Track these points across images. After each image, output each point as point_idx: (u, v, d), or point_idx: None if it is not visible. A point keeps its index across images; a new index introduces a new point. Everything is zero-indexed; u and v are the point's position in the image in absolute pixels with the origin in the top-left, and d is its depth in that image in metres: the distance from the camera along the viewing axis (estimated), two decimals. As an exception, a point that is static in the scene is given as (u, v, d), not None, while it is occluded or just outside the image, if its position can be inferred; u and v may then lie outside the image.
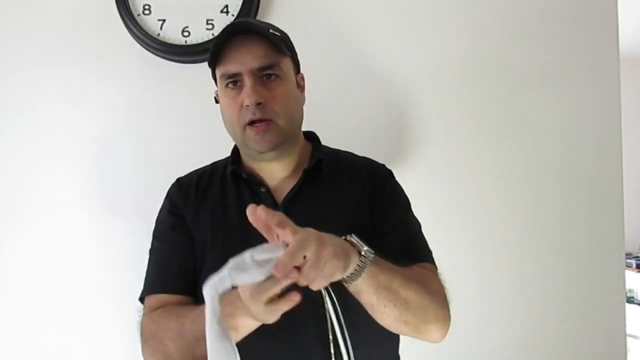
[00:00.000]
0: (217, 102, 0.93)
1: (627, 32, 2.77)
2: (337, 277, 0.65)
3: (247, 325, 0.70)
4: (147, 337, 0.82)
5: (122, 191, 1.24)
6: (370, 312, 0.75)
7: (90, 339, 1.22)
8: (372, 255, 0.70)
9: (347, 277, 0.68)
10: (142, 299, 0.89)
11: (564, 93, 1.31)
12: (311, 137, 0.98)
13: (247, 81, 0.83)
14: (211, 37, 1.20)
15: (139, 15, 1.20)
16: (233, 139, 0.92)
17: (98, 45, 1.24)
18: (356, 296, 0.73)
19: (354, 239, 0.70)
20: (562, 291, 1.30)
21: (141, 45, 1.22)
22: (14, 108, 1.23)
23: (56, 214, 1.23)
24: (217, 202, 0.90)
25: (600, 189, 1.31)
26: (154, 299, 0.85)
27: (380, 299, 0.72)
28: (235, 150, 0.95)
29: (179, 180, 0.96)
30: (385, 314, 0.75)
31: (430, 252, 0.90)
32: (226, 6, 1.21)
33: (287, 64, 0.88)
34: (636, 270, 3.91)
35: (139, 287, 1.21)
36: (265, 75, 0.84)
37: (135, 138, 1.24)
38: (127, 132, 1.24)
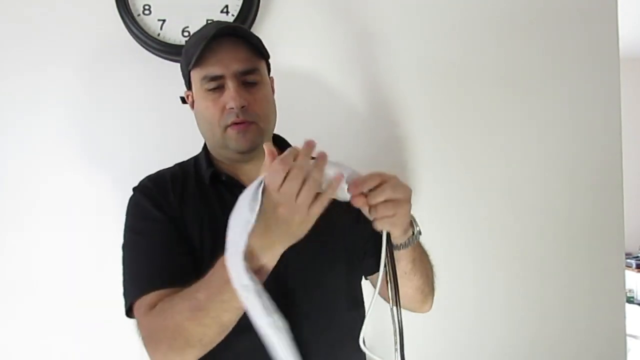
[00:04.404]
0: (183, 102, 0.94)
1: (627, 32, 2.77)
2: (395, 232, 0.77)
3: (270, 263, 0.71)
4: (157, 333, 0.76)
5: (122, 191, 1.23)
6: (402, 279, 0.85)
7: (92, 342, 1.23)
8: (420, 236, 0.83)
9: (400, 244, 0.81)
10: (131, 304, 0.82)
11: (563, 93, 1.31)
12: (281, 140, 0.98)
13: (231, 84, 0.83)
14: (211, 37, 1.20)
15: (139, 15, 1.20)
16: (209, 141, 0.93)
17: (98, 45, 1.24)
18: (396, 259, 0.83)
19: (414, 218, 0.82)
20: (562, 291, 1.30)
21: (141, 45, 1.22)
22: (14, 108, 1.23)
23: (56, 215, 1.23)
24: (199, 205, 0.88)
25: (600, 188, 1.31)
26: (152, 297, 0.79)
27: (414, 268, 0.87)
28: (208, 153, 0.95)
29: (150, 178, 0.94)
30: (412, 281, 0.89)
31: None
32: (226, 6, 1.21)
33: (264, 67, 0.90)
34: (636, 270, 3.92)
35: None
36: (246, 80, 0.85)
37: (135, 138, 1.24)
38: (127, 132, 1.24)
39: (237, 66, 0.84)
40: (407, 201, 0.75)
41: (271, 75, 0.95)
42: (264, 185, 0.67)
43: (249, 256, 0.69)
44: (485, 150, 1.30)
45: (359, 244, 0.95)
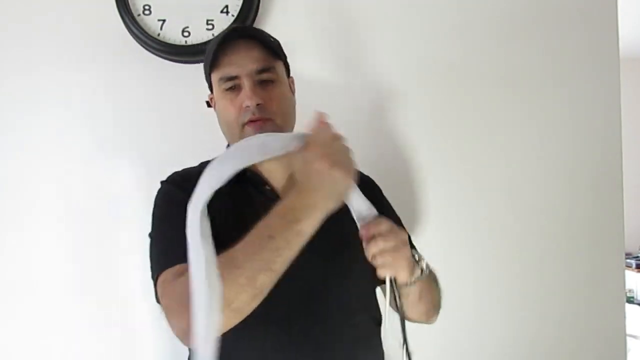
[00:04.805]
0: (208, 106, 0.97)
1: (627, 32, 2.77)
2: (400, 276, 0.83)
3: (310, 225, 0.72)
4: (184, 296, 0.69)
5: (121, 191, 1.24)
6: (408, 307, 0.91)
7: (91, 342, 1.23)
8: (429, 270, 0.89)
9: (408, 283, 0.85)
10: (157, 276, 0.81)
11: (563, 93, 1.31)
12: None
13: (246, 83, 0.86)
14: (211, 37, 1.20)
15: (139, 15, 1.20)
16: (230, 140, 0.94)
17: (98, 45, 1.24)
18: (404, 295, 0.88)
19: (418, 254, 0.89)
20: (562, 291, 1.30)
21: (141, 45, 1.22)
22: (14, 108, 1.23)
23: (56, 215, 1.23)
24: (225, 200, 0.86)
25: (600, 188, 1.31)
26: (179, 267, 0.77)
27: (421, 299, 0.92)
28: None
29: (178, 173, 0.96)
30: (418, 308, 0.94)
31: None
32: (226, 6, 1.21)
33: (280, 67, 0.92)
34: (636, 270, 3.92)
35: (141, 289, 1.21)
36: (262, 78, 0.87)
37: (135, 138, 1.24)
38: (127, 132, 1.24)
39: (251, 66, 0.86)
40: (403, 245, 0.81)
41: (291, 75, 0.97)
42: (305, 142, 0.73)
43: (288, 216, 0.71)
44: (485, 150, 1.30)
45: None
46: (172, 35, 1.21)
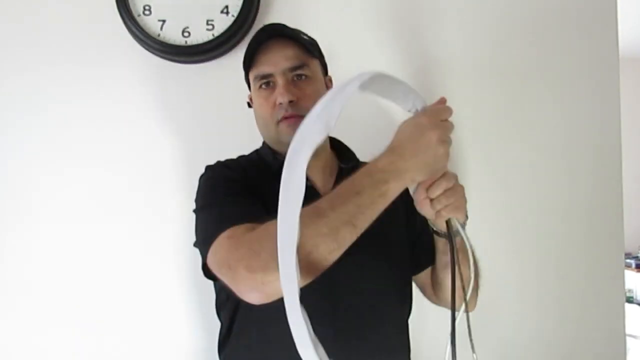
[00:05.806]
0: (250, 106, 0.98)
1: (627, 32, 2.77)
2: (459, 216, 0.83)
3: (397, 189, 0.72)
4: (260, 242, 0.70)
5: (122, 191, 1.24)
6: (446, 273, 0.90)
7: (90, 342, 1.23)
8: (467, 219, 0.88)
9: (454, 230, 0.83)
10: (216, 236, 0.78)
11: (563, 93, 1.31)
12: (340, 145, 1.02)
13: (280, 81, 0.88)
14: (211, 37, 1.20)
15: (139, 15, 1.20)
16: (266, 137, 0.96)
17: (98, 46, 1.24)
18: (442, 254, 0.90)
19: None
20: (562, 291, 1.31)
21: (141, 45, 1.22)
22: (14, 108, 1.23)
23: (56, 214, 1.23)
24: (266, 191, 0.82)
25: (600, 189, 1.31)
26: (250, 225, 0.75)
27: (463, 258, 0.86)
28: (270, 147, 0.96)
29: (221, 160, 0.96)
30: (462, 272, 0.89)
31: None
32: (226, 6, 1.21)
33: (315, 65, 0.94)
34: (636, 270, 3.92)
35: (143, 288, 1.21)
36: (296, 76, 0.90)
37: (135, 138, 1.24)
38: (126, 133, 1.24)
39: (285, 64, 0.89)
40: (462, 196, 0.83)
41: (329, 74, 1.00)
42: (422, 110, 0.76)
43: (377, 176, 0.71)
44: (483, 150, 1.30)
45: (411, 238, 0.99)
46: (172, 35, 1.21)
